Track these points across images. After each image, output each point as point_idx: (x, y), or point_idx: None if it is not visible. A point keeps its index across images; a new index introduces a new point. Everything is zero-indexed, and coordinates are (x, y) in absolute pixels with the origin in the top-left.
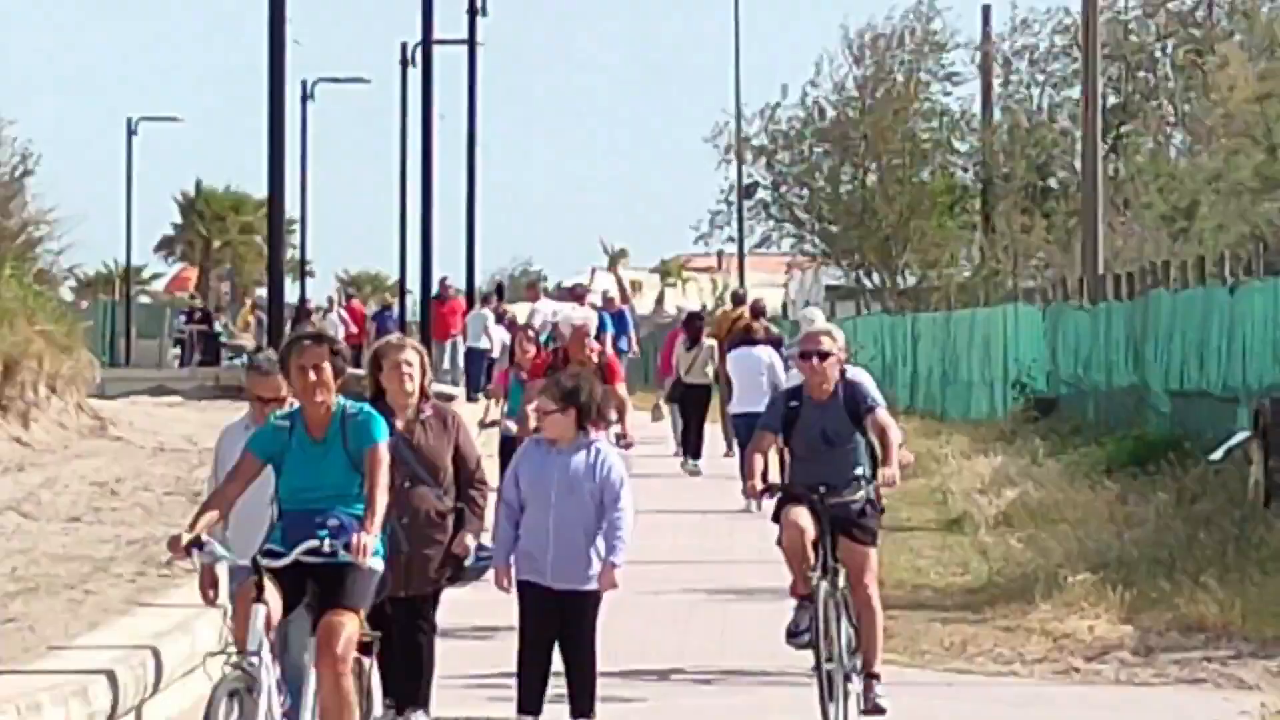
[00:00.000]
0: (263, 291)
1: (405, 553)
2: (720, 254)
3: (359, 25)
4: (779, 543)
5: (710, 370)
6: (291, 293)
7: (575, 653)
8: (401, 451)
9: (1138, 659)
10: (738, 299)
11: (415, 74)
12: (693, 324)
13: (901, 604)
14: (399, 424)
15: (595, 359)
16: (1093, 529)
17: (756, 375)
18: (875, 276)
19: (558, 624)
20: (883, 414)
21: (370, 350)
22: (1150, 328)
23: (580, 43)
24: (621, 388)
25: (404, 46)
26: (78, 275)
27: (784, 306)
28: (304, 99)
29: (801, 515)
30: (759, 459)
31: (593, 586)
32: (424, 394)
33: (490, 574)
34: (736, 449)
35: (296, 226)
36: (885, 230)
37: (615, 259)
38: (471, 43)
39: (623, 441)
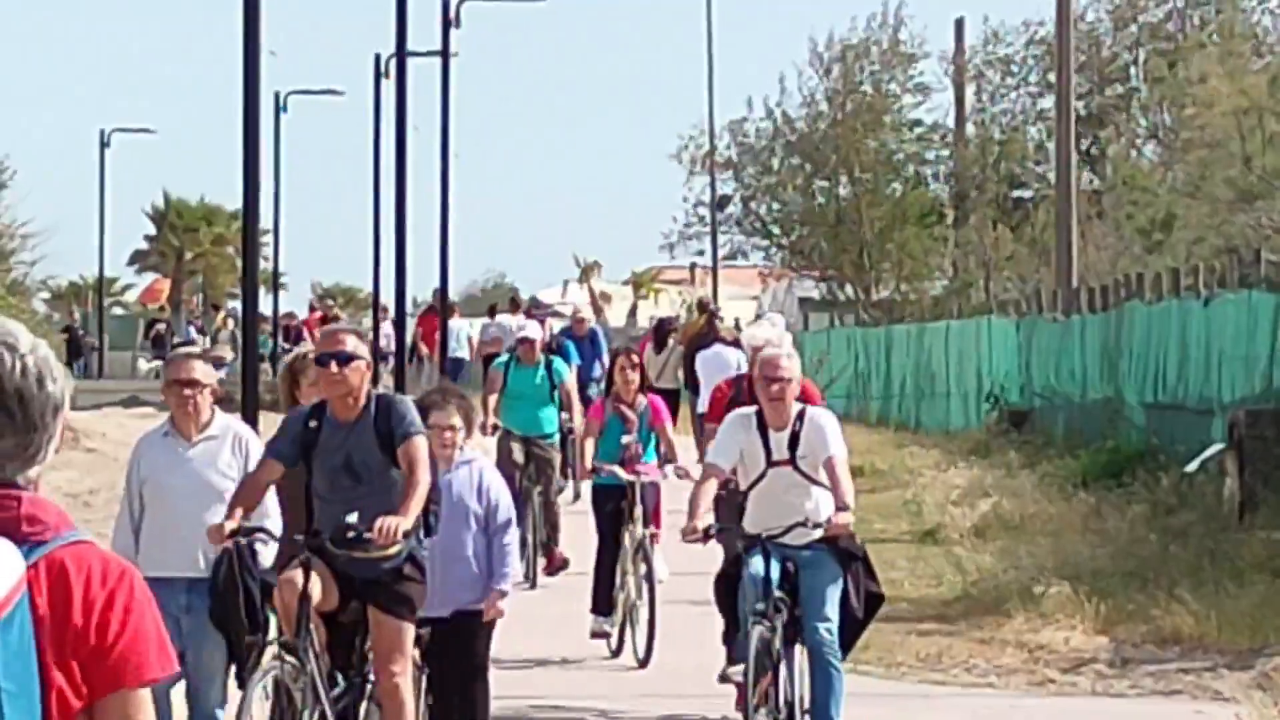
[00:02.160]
0: (236, 304)
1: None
2: (693, 266)
3: (332, 37)
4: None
5: (680, 375)
6: (265, 304)
7: (464, 678)
8: None
9: (1113, 671)
10: (703, 306)
11: (389, 86)
12: (661, 330)
13: (876, 616)
14: None
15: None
16: (1067, 541)
17: (723, 375)
18: (849, 288)
19: (450, 651)
20: (419, 441)
21: (284, 363)
22: (1124, 340)
23: (553, 56)
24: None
25: (377, 58)
26: (51, 287)
27: (757, 319)
28: (277, 111)
29: (300, 572)
30: (242, 496)
31: (479, 606)
32: None
33: None
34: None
35: (269, 238)
36: (859, 243)
37: (587, 271)
38: (445, 55)
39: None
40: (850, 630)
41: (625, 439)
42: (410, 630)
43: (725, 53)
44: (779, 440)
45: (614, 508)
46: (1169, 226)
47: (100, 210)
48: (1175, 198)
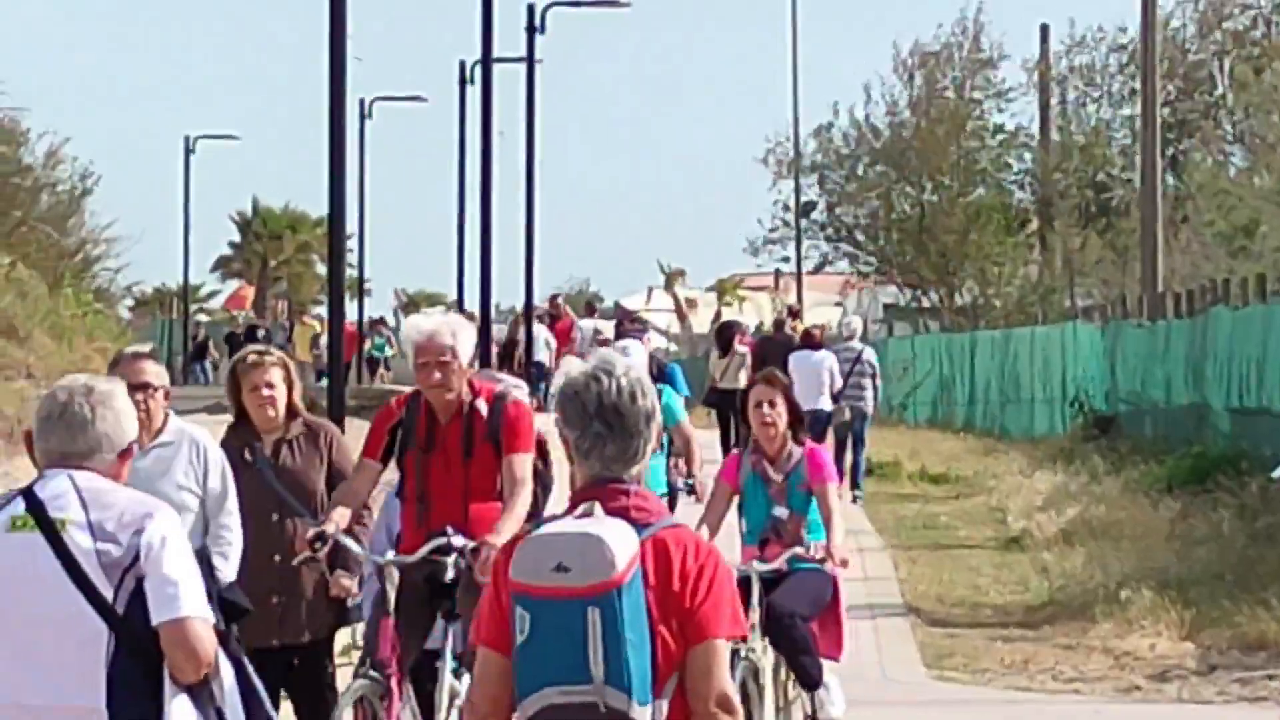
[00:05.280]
0: (320, 310)
1: (280, 598)
2: (777, 272)
3: (417, 43)
4: None
5: (743, 376)
6: (350, 312)
7: None
8: (268, 479)
9: (1200, 677)
10: (793, 313)
11: (473, 92)
12: (724, 333)
13: (961, 622)
14: (265, 448)
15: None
16: (1153, 547)
17: (817, 376)
18: (932, 294)
19: None
20: None
21: (228, 365)
22: (1210, 345)
23: (637, 61)
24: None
25: (462, 65)
26: (135, 294)
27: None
28: (362, 117)
29: None
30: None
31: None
32: (293, 412)
33: None
34: None
35: (354, 245)
36: (942, 248)
37: (672, 278)
38: (530, 61)
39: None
40: None
41: (778, 511)
42: None
43: (810, 57)
44: None
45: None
46: (1254, 232)
47: (185, 217)
48: (1261, 203)
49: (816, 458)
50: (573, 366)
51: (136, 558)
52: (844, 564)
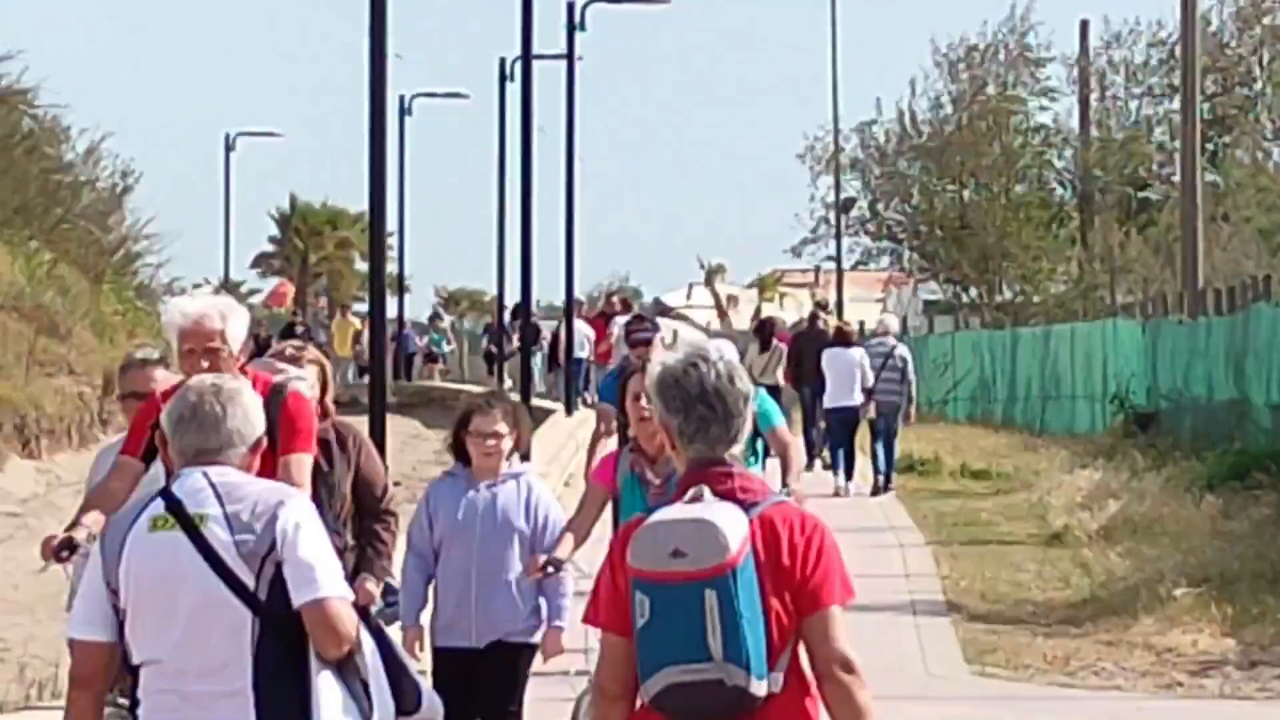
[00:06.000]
0: (360, 307)
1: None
2: (817, 269)
3: (457, 40)
4: None
5: (780, 372)
6: (389, 309)
7: (501, 715)
8: None
9: (1242, 673)
10: (823, 308)
11: (514, 89)
12: (764, 329)
13: (1003, 618)
14: None
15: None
16: (1194, 543)
17: (850, 372)
18: (973, 291)
19: (482, 689)
20: None
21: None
22: (1251, 341)
23: (677, 57)
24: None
25: (502, 61)
26: (176, 290)
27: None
28: (402, 114)
29: None
30: None
31: (523, 639)
32: (324, 413)
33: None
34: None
35: (394, 242)
36: (982, 245)
37: (712, 274)
38: (570, 58)
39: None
40: None
41: None
42: None
43: (851, 53)
44: None
45: None
46: None
47: (225, 214)
48: None
49: None
50: (666, 356)
51: (273, 545)
52: None
